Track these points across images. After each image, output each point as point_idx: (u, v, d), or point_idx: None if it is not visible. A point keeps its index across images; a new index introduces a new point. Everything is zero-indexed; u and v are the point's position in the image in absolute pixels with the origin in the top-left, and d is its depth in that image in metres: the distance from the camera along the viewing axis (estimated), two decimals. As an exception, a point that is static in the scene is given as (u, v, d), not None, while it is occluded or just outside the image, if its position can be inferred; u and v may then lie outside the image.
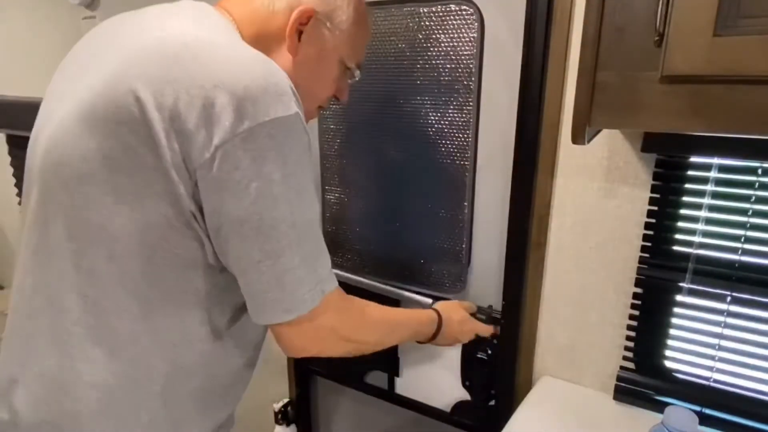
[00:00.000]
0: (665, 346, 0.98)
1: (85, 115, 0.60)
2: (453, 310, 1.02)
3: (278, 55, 0.71)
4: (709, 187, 0.87)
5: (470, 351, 1.16)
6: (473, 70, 1.00)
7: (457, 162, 1.07)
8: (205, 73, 0.57)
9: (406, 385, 1.33)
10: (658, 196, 0.90)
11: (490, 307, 1.11)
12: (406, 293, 1.16)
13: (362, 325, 0.77)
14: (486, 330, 1.08)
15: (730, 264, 0.88)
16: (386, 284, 1.23)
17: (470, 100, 1.02)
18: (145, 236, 0.61)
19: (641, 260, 0.94)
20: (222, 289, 0.68)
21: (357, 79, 0.83)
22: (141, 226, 0.61)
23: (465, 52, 1.00)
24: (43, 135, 0.66)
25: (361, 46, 0.82)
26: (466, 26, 0.98)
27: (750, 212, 0.85)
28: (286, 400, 1.51)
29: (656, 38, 0.57)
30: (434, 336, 0.96)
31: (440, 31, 1.01)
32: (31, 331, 0.67)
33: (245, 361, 0.77)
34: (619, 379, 1.01)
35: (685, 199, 0.89)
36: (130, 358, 0.65)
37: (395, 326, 0.87)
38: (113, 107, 0.59)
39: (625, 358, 1.01)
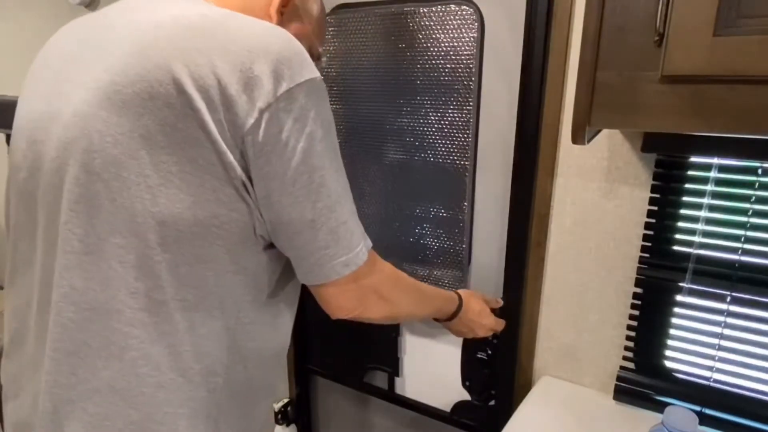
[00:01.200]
0: (665, 346, 0.98)
1: (111, 99, 0.57)
2: (474, 299, 1.01)
3: None
4: (709, 187, 0.87)
5: (470, 351, 1.16)
6: (473, 70, 1.00)
7: (457, 162, 1.07)
8: (236, 40, 0.57)
9: (406, 385, 1.33)
10: (658, 196, 0.90)
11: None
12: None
13: (398, 287, 0.78)
14: (501, 326, 1.06)
15: (730, 264, 0.88)
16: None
17: (470, 100, 1.02)
18: (195, 216, 0.58)
19: (641, 260, 0.94)
20: (265, 266, 0.67)
21: (323, 66, 0.85)
22: (189, 204, 0.58)
23: (465, 52, 1.00)
24: (51, 131, 0.61)
25: (323, 37, 0.85)
26: (466, 26, 0.98)
27: (750, 212, 0.85)
28: (285, 400, 1.51)
29: (656, 38, 0.57)
30: (452, 317, 0.95)
31: (440, 31, 1.01)
32: (77, 346, 0.61)
33: (284, 343, 0.77)
34: (619, 379, 1.01)
35: (685, 199, 0.89)
36: (191, 350, 0.62)
37: (424, 295, 0.87)
38: (142, 84, 0.56)
39: (625, 358, 1.01)
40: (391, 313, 0.78)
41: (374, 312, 0.74)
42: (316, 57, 0.79)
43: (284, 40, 0.59)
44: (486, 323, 1.02)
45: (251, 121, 0.57)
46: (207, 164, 0.57)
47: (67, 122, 0.59)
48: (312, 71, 0.61)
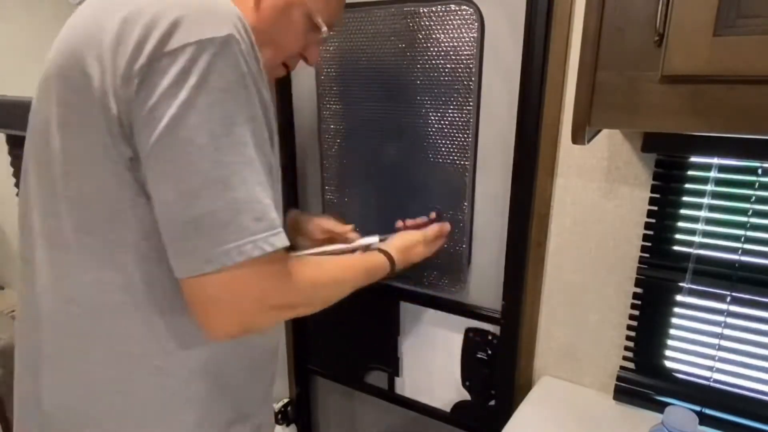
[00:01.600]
0: (665, 346, 0.98)
1: (42, 80, 0.61)
2: (399, 241, 0.97)
3: (240, 3, 0.66)
4: (709, 187, 0.87)
5: (470, 351, 1.17)
6: (473, 70, 1.00)
7: (457, 162, 1.07)
8: (131, 3, 0.55)
9: (406, 385, 1.33)
10: (658, 196, 0.90)
11: (437, 208, 1.09)
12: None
13: (291, 289, 0.66)
14: (436, 245, 1.04)
15: (730, 264, 0.88)
16: (386, 283, 1.23)
17: (470, 100, 1.02)
18: (101, 200, 0.59)
19: (641, 260, 0.94)
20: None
21: (324, 36, 0.77)
22: (94, 188, 0.59)
23: (465, 52, 1.00)
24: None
25: (335, 4, 0.78)
26: (466, 26, 0.98)
27: (750, 212, 0.85)
28: (285, 400, 1.51)
29: (656, 38, 0.57)
30: (390, 274, 0.91)
31: (440, 31, 1.01)
32: (31, 320, 0.67)
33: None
34: (619, 379, 1.01)
35: (685, 199, 0.89)
36: (123, 331, 0.64)
37: (335, 281, 0.77)
38: (58, 67, 0.59)
39: (625, 358, 1.01)
40: (291, 316, 0.69)
41: (263, 323, 0.65)
42: (313, 28, 0.75)
43: None
44: (419, 253, 0.99)
45: (132, 86, 0.54)
46: (104, 147, 0.57)
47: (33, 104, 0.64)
48: (215, 29, 0.54)
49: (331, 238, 1.02)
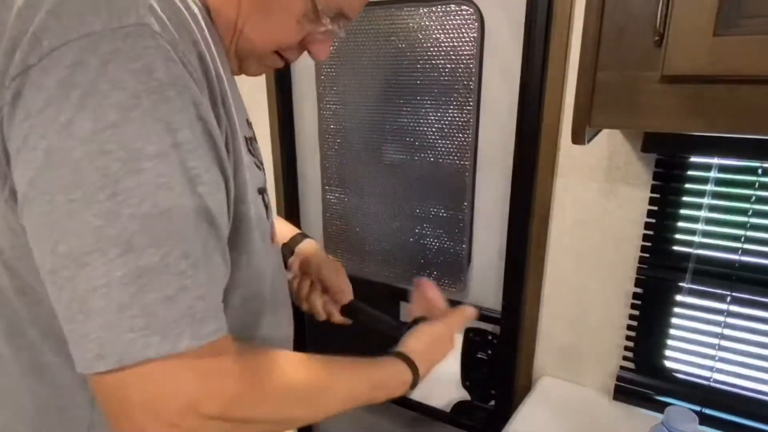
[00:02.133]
0: (665, 346, 0.98)
1: None
2: (420, 340, 0.77)
3: None
4: (709, 187, 0.87)
5: (470, 351, 1.16)
6: (473, 70, 1.00)
7: (457, 162, 1.07)
8: None
9: (406, 385, 1.33)
10: (658, 196, 0.90)
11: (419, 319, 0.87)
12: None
13: (250, 397, 0.46)
14: (460, 320, 0.86)
15: (730, 264, 0.88)
16: (386, 284, 1.23)
17: (470, 100, 1.02)
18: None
19: (641, 260, 0.94)
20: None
21: (326, 29, 0.58)
22: None
23: (465, 52, 1.00)
24: None
25: None
26: (466, 26, 0.98)
27: (750, 212, 0.85)
28: (286, 400, 1.51)
29: (656, 38, 0.57)
30: (412, 386, 0.71)
31: (440, 31, 1.01)
32: None
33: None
34: (619, 379, 1.01)
35: (685, 199, 0.89)
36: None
37: (322, 392, 0.55)
38: None
39: (625, 358, 1.01)
40: None
41: None
42: (317, 13, 0.56)
43: None
44: (446, 351, 0.81)
45: (5, 107, 0.40)
46: None
47: None
48: (111, 17, 0.38)
49: (326, 291, 0.86)
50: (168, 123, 0.40)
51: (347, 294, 0.85)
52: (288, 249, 0.88)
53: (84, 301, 0.39)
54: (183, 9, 0.43)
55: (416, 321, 0.82)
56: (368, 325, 0.82)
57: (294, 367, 0.52)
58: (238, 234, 0.52)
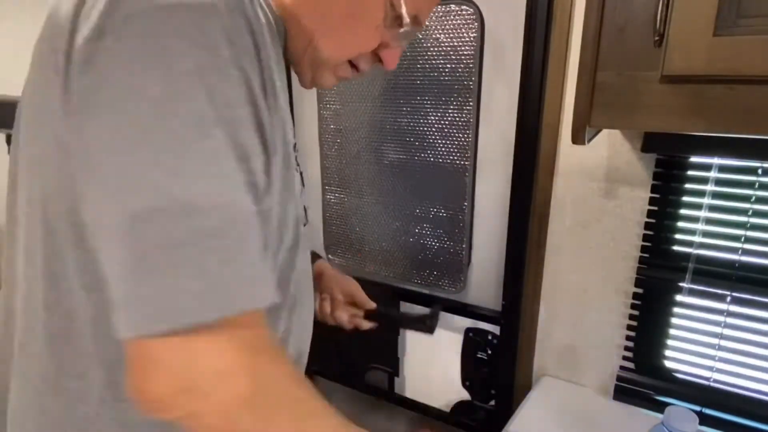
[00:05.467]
0: (665, 346, 0.98)
1: (31, 60, 0.50)
2: None
3: None
4: (709, 187, 0.87)
5: (470, 351, 1.17)
6: (473, 70, 1.00)
7: (457, 162, 1.07)
8: None
9: (406, 385, 1.33)
10: (658, 196, 0.90)
11: (437, 307, 0.94)
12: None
13: (284, 391, 0.46)
14: None
15: (730, 264, 0.88)
16: (386, 284, 1.23)
17: (470, 100, 1.02)
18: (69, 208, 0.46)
19: (641, 260, 0.94)
20: None
21: (407, 31, 0.57)
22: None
23: (465, 52, 1.00)
24: None
25: None
26: (466, 26, 0.98)
27: (750, 212, 0.85)
28: (286, 400, 1.51)
29: (656, 38, 0.57)
30: None
31: (440, 31, 1.01)
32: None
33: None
34: (619, 379, 1.01)
35: (685, 199, 0.89)
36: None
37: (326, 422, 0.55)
38: (39, 42, 0.47)
39: (625, 358, 1.01)
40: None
41: (214, 423, 0.41)
42: (396, 20, 0.56)
43: None
44: None
45: (73, 70, 0.41)
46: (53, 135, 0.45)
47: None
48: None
49: (350, 303, 0.88)
50: (228, 99, 0.42)
51: (371, 303, 0.88)
52: None
53: (143, 259, 0.39)
54: (247, 2, 0.45)
55: (436, 310, 0.89)
56: (397, 325, 0.87)
57: (306, 393, 0.50)
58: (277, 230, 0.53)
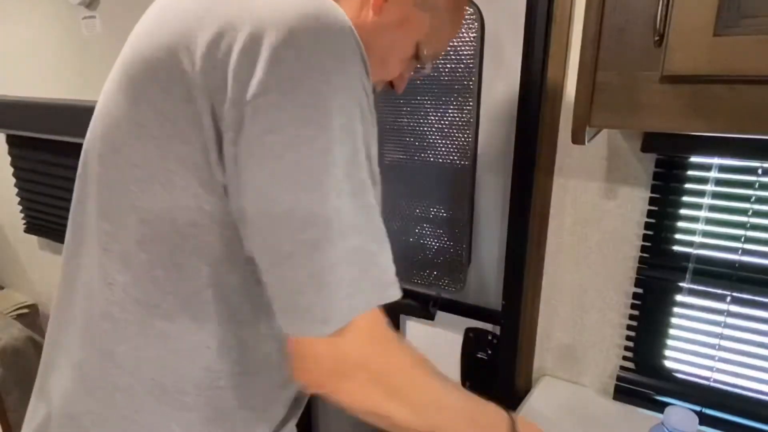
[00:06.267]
0: (665, 346, 0.98)
1: (121, 78, 0.54)
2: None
3: (351, 6, 0.60)
4: (709, 187, 0.87)
5: (470, 351, 1.17)
6: (473, 70, 1.00)
7: (457, 162, 1.07)
8: (244, 9, 0.48)
9: (406, 385, 1.33)
10: (658, 196, 0.90)
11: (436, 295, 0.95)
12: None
13: (404, 372, 0.55)
14: None
15: (730, 264, 0.88)
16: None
17: (470, 100, 1.02)
18: (174, 220, 0.52)
19: (641, 260, 0.94)
20: (252, 286, 0.57)
21: (426, 71, 0.72)
22: (170, 206, 0.52)
23: (465, 52, 1.00)
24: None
25: (444, 39, 0.70)
26: (466, 26, 0.98)
27: (750, 212, 0.85)
28: (286, 400, 1.51)
29: (656, 38, 0.57)
30: None
31: (440, 31, 1.01)
32: (67, 317, 0.60)
33: (279, 376, 0.63)
34: (619, 379, 1.01)
35: (685, 199, 0.89)
36: (158, 360, 0.56)
37: (448, 399, 0.58)
38: (144, 63, 0.51)
39: (625, 358, 1.01)
40: (386, 411, 0.54)
41: (354, 397, 0.54)
42: (415, 57, 0.67)
43: (309, 9, 0.47)
44: None
45: (235, 113, 0.47)
46: (191, 164, 0.50)
47: (98, 105, 0.59)
48: (340, 52, 0.47)
49: None
50: (364, 129, 0.50)
51: None
52: None
53: (317, 276, 0.47)
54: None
55: (438, 295, 0.92)
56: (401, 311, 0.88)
57: (435, 372, 0.57)
58: None
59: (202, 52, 0.48)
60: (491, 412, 0.62)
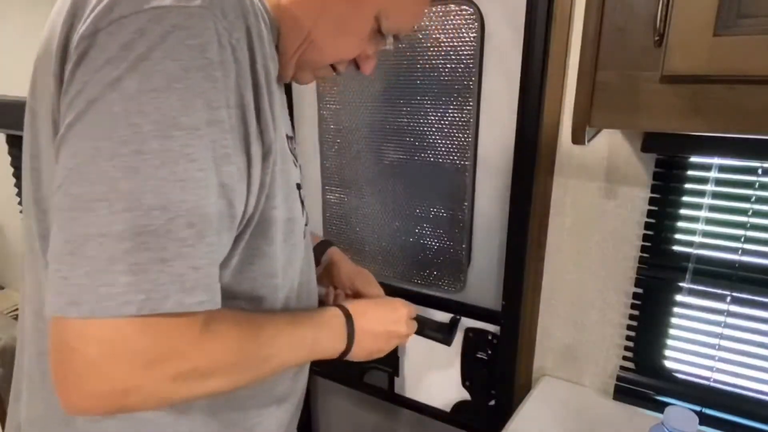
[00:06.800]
0: (665, 346, 0.98)
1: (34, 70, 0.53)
2: (370, 317, 0.70)
3: None
4: (709, 187, 0.87)
5: (470, 351, 1.16)
6: (473, 70, 1.00)
7: (457, 162, 1.07)
8: None
9: (406, 385, 1.33)
10: (658, 196, 0.90)
11: (455, 318, 0.85)
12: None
13: (200, 371, 0.47)
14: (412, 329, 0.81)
15: (730, 264, 0.88)
16: (386, 283, 1.22)
17: (470, 100, 1.02)
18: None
19: (641, 260, 0.94)
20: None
21: (388, 48, 0.64)
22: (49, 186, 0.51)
23: (465, 52, 1.00)
24: None
25: (408, 10, 0.62)
26: (466, 26, 0.98)
27: (750, 212, 0.85)
28: (286, 400, 1.51)
29: (656, 38, 0.57)
30: (345, 351, 0.67)
31: (440, 31, 1.01)
32: (23, 317, 0.60)
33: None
34: (619, 379, 1.01)
35: (685, 199, 0.89)
36: None
37: (265, 364, 0.55)
38: (38, 56, 0.51)
39: (625, 358, 1.01)
40: (183, 390, 0.46)
41: (140, 389, 0.43)
42: (378, 32, 0.60)
43: None
44: (384, 346, 0.73)
45: (69, 67, 0.44)
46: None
47: None
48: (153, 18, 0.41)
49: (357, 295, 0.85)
50: (208, 101, 0.43)
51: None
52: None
53: (78, 244, 0.40)
54: (247, 3, 0.47)
55: (455, 321, 0.82)
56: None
57: (247, 339, 0.52)
58: (264, 227, 0.54)
59: (60, 41, 0.46)
60: (328, 336, 0.63)
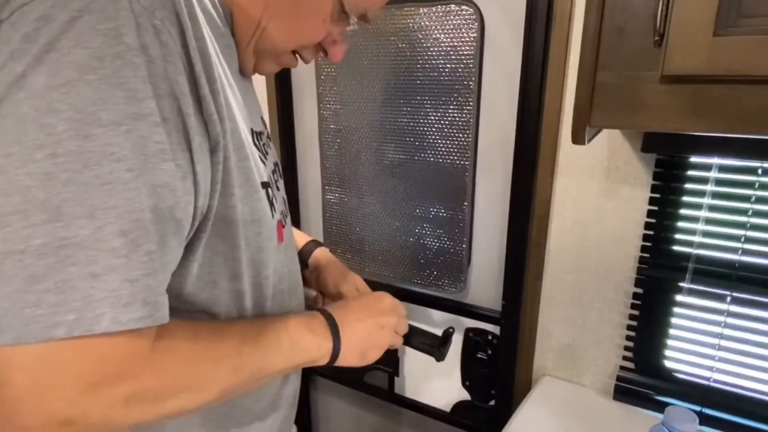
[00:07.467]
0: (665, 346, 0.98)
1: None
2: (351, 308, 0.66)
3: None
4: (709, 187, 0.87)
5: (470, 351, 1.17)
6: (473, 70, 1.00)
7: (457, 162, 1.07)
8: None
9: (406, 385, 1.33)
10: (658, 196, 0.90)
11: (449, 331, 0.79)
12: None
13: (145, 361, 0.42)
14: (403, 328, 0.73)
15: (730, 264, 0.88)
16: (386, 284, 1.23)
17: (470, 100, 1.02)
18: None
19: (641, 260, 0.94)
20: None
21: (351, 27, 0.60)
22: None
23: (465, 52, 1.00)
24: None
25: None
26: (466, 26, 0.98)
27: (750, 212, 0.85)
28: (286, 400, 1.51)
29: (656, 38, 0.57)
30: (335, 352, 0.61)
31: (440, 31, 1.01)
32: None
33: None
34: (619, 379, 1.01)
35: (685, 199, 0.89)
36: None
37: (231, 388, 0.50)
38: None
39: (625, 358, 1.01)
40: (129, 413, 0.41)
41: (77, 415, 0.39)
42: (343, 14, 0.56)
43: None
44: (373, 354, 0.66)
45: None
46: None
47: None
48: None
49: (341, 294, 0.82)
50: (130, 91, 0.38)
51: None
52: (301, 261, 0.84)
53: None
54: None
55: (448, 334, 0.78)
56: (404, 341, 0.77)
57: (208, 351, 0.48)
58: (222, 229, 0.50)
59: None
60: (308, 351, 0.58)
